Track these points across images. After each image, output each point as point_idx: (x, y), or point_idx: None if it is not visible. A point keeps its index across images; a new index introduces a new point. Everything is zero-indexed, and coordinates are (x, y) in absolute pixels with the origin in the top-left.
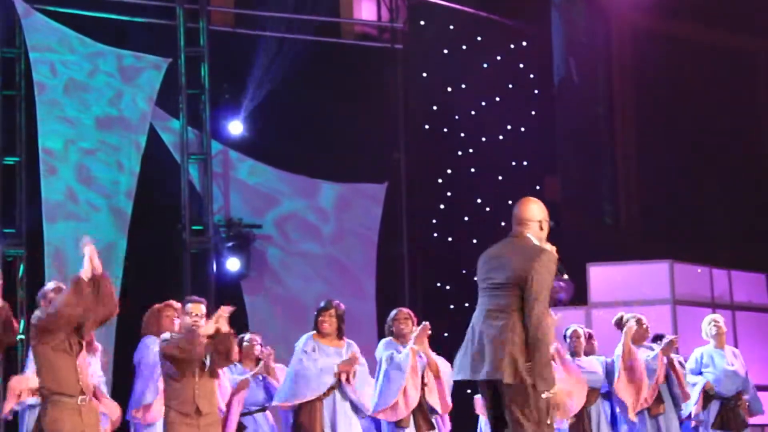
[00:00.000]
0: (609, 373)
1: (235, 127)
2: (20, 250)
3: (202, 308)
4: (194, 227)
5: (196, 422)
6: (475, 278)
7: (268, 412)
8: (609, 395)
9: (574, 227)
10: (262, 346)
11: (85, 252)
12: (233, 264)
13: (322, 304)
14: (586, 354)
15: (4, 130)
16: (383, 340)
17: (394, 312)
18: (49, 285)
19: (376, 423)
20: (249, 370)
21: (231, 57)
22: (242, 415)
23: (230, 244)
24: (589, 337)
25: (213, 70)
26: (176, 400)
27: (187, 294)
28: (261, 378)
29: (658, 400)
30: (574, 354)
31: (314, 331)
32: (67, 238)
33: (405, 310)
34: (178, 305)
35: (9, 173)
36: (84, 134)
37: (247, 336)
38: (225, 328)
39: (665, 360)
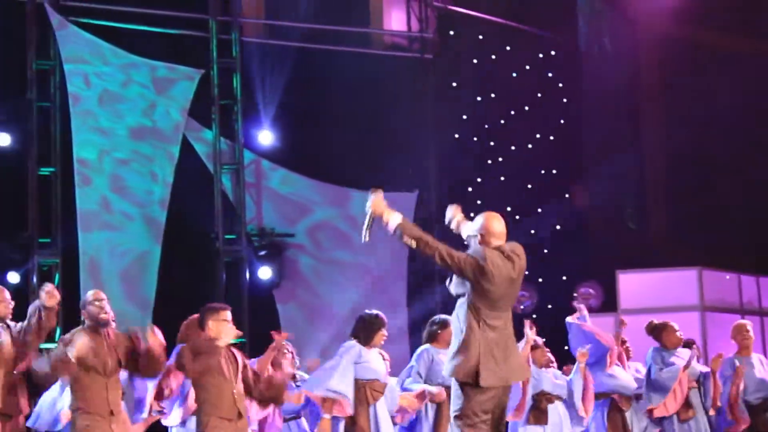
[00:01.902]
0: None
1: (265, 137)
2: (56, 259)
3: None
4: (227, 236)
5: (235, 425)
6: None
7: (303, 419)
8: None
9: (602, 235)
10: (293, 355)
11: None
12: (265, 273)
13: (381, 317)
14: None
15: (39, 141)
16: (421, 349)
17: (439, 318)
18: (89, 294)
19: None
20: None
21: (263, 68)
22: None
23: (263, 252)
24: (622, 342)
25: (245, 81)
26: (218, 407)
27: (221, 302)
28: (296, 385)
29: (687, 405)
30: None
31: (361, 343)
32: (101, 247)
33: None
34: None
35: (44, 184)
36: (118, 145)
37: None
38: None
39: (698, 372)
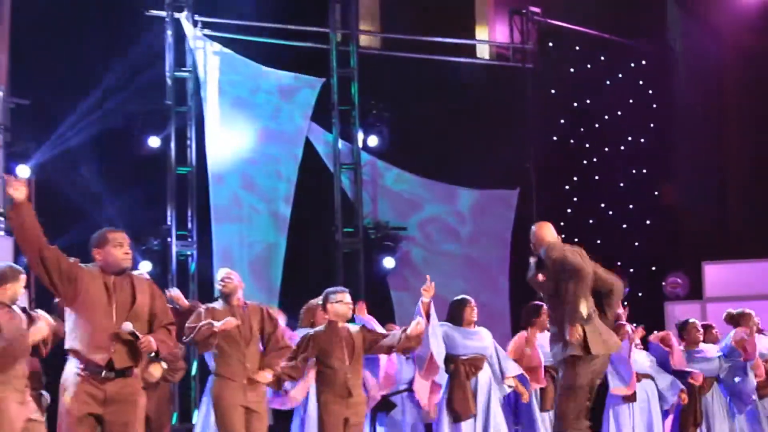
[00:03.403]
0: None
1: (380, 140)
2: (192, 249)
3: (348, 296)
4: (346, 229)
5: (346, 402)
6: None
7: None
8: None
9: (689, 229)
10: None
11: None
12: (389, 262)
13: (464, 297)
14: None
15: (177, 143)
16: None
17: (538, 305)
18: (217, 273)
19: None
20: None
21: (378, 76)
22: (392, 394)
23: (383, 244)
24: (710, 327)
25: (362, 88)
26: (330, 385)
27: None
28: (409, 357)
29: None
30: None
31: (456, 324)
32: (232, 239)
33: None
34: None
35: (182, 181)
36: (247, 146)
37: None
38: None
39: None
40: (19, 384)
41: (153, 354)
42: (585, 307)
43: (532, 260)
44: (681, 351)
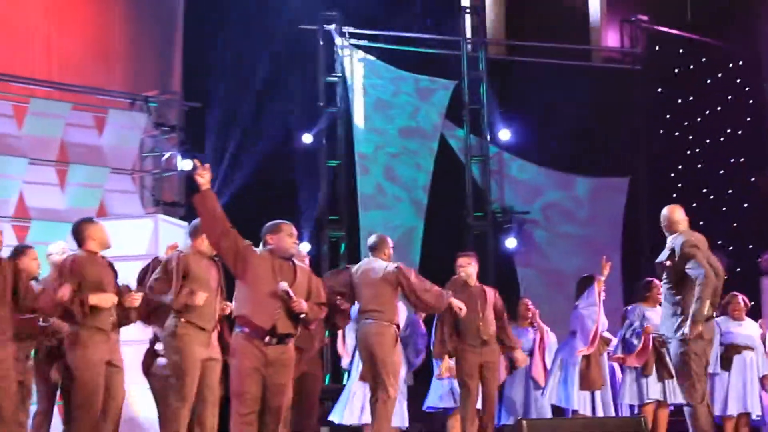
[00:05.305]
0: None
1: (505, 134)
2: (341, 233)
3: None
4: (476, 214)
5: (480, 350)
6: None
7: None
8: None
9: None
10: (532, 308)
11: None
12: (510, 243)
13: (589, 276)
14: None
15: (328, 140)
16: (633, 306)
17: (649, 281)
18: None
19: None
20: (523, 328)
21: (504, 78)
22: None
23: (507, 226)
24: None
25: (490, 89)
26: (465, 335)
27: None
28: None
29: None
30: None
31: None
32: (377, 224)
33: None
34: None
35: (332, 173)
36: (389, 142)
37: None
38: None
39: None
40: (205, 323)
41: (303, 316)
42: (708, 309)
43: (668, 248)
44: None
